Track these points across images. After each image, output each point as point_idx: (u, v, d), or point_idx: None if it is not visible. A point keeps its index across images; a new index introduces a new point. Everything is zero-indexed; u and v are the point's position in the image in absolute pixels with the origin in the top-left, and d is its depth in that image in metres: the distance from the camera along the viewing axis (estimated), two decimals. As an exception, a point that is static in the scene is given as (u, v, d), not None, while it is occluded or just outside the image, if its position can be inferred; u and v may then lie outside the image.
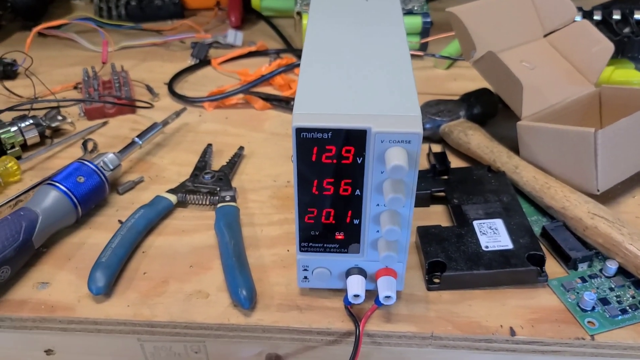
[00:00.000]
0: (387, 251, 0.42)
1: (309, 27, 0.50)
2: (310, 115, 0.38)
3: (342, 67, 0.44)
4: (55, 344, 0.49)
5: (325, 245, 0.44)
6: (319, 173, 0.40)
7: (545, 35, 0.67)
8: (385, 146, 0.38)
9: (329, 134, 0.38)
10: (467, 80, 0.79)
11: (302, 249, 0.44)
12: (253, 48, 0.86)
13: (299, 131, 0.38)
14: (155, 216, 0.54)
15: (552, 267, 0.49)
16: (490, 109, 0.67)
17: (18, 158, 0.62)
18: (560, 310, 0.46)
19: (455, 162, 0.62)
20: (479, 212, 0.52)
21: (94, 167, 0.55)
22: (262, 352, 0.48)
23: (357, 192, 0.40)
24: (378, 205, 0.41)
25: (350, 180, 0.40)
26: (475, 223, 0.51)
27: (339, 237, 0.43)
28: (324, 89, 0.41)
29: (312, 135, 0.38)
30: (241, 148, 0.64)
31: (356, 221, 0.42)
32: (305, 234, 0.43)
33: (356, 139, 0.38)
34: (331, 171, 0.39)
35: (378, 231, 0.42)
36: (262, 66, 0.80)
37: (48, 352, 0.49)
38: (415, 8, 0.84)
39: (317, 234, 0.43)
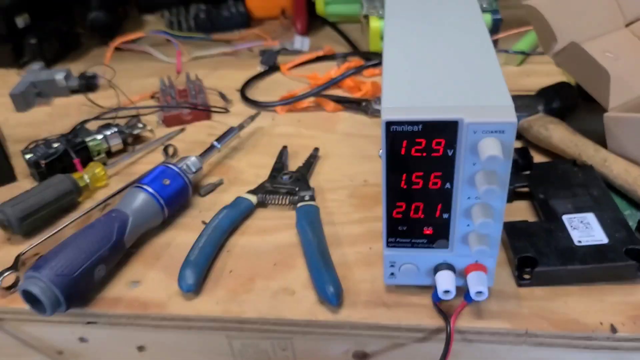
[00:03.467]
0: (479, 245, 0.41)
1: (387, 23, 0.50)
2: (400, 108, 0.38)
3: (426, 60, 0.43)
4: (147, 341, 0.50)
5: (412, 240, 0.43)
6: (408, 167, 0.39)
7: (627, 25, 0.64)
8: (477, 137, 0.37)
9: (420, 127, 0.37)
10: (541, 76, 0.77)
11: (390, 244, 0.44)
12: (320, 53, 0.87)
13: (389, 125, 0.37)
14: (238, 216, 0.55)
15: (650, 262, 0.47)
16: (569, 102, 0.65)
17: (103, 164, 0.64)
18: (664, 306, 0.43)
19: (536, 158, 0.60)
20: (568, 206, 0.51)
21: (178, 170, 0.56)
22: (349, 350, 0.47)
23: (447, 185, 0.40)
24: (469, 198, 0.40)
25: (440, 173, 0.39)
26: (564, 217, 0.49)
27: (427, 231, 0.42)
28: (409, 82, 0.41)
29: (402, 128, 0.37)
30: (316, 149, 0.64)
31: (445, 215, 0.41)
32: (392, 228, 0.43)
33: (447, 130, 0.37)
34: (421, 164, 0.39)
35: (469, 225, 0.41)
36: (331, 69, 0.80)
37: (140, 348, 0.51)
38: (485, 5, 0.82)
39: (405, 228, 0.42)
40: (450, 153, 0.38)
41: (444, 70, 0.42)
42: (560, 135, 0.59)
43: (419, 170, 0.39)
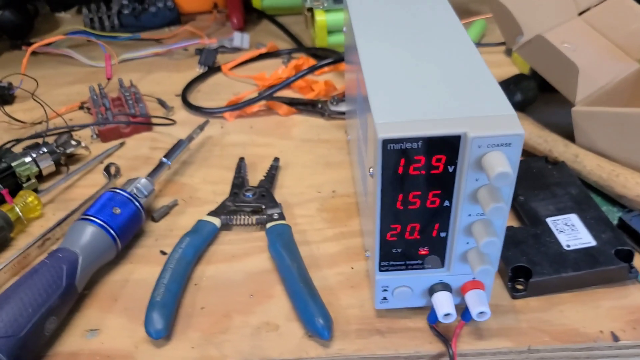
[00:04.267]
0: (481, 264, 0.38)
1: (355, 27, 0.46)
2: (396, 124, 0.34)
3: (409, 67, 0.40)
4: (112, 396, 0.44)
5: (407, 262, 0.40)
6: (405, 186, 0.36)
7: (580, 14, 0.63)
8: (482, 151, 0.34)
9: (419, 143, 0.34)
10: (491, 66, 0.75)
11: (382, 268, 0.40)
12: (263, 50, 0.81)
13: (385, 143, 0.34)
14: (202, 243, 0.49)
15: (636, 260, 0.46)
16: (530, 95, 0.64)
17: (35, 191, 0.57)
18: (659, 307, 0.43)
19: (505, 155, 0.59)
20: (550, 207, 0.49)
21: (128, 195, 0.50)
22: (341, 383, 0.44)
23: (446, 203, 0.37)
24: (470, 215, 0.37)
25: (440, 191, 0.36)
26: (549, 220, 0.48)
27: (423, 252, 0.39)
28: (398, 92, 0.37)
29: (400, 146, 0.34)
30: (276, 159, 0.59)
31: (443, 234, 0.38)
32: (386, 252, 0.39)
33: (449, 146, 0.34)
34: (419, 183, 0.36)
35: (468, 243, 0.38)
36: (279, 68, 0.75)
37: (104, 405, 0.45)
38: (431, -5, 0.80)
39: (399, 251, 0.39)
40: (451, 169, 0.35)
41: (433, 78, 0.38)
42: (528, 131, 0.57)
43: (416, 189, 0.36)
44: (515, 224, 0.50)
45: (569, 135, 0.56)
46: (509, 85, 0.64)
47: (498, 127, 0.33)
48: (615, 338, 0.41)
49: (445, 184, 0.36)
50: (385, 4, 0.49)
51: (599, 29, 0.63)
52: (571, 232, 0.47)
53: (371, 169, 0.36)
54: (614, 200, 0.52)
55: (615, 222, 0.49)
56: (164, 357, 0.41)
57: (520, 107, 0.63)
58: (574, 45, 0.61)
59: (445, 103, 0.36)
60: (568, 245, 0.45)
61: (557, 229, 0.47)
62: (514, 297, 0.44)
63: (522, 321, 0.42)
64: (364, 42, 0.44)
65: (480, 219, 0.37)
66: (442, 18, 0.46)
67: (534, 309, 0.43)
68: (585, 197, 0.50)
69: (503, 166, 0.33)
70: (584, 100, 0.56)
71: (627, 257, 0.44)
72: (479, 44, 0.79)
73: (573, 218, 0.48)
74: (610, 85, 0.58)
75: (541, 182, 0.52)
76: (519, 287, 0.44)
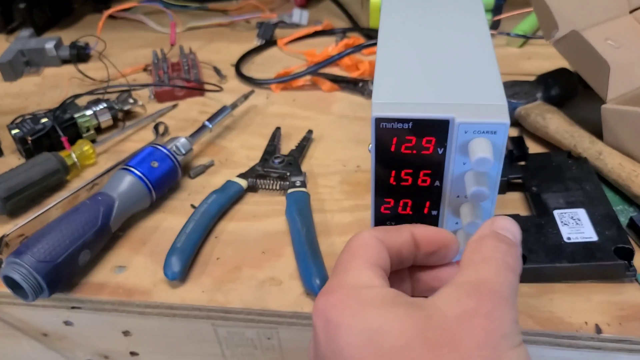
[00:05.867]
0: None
1: (384, 11, 0.48)
2: (390, 104, 0.37)
3: (421, 53, 0.42)
4: (132, 326, 0.50)
5: (400, 235, 0.42)
6: (398, 164, 0.38)
7: (632, 11, 0.62)
8: (468, 137, 0.36)
9: (410, 124, 0.36)
10: (542, 58, 0.76)
11: (377, 239, 0.43)
12: (319, 27, 0.84)
13: (378, 121, 0.37)
14: (227, 201, 0.54)
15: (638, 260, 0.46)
16: (569, 90, 0.64)
17: (93, 141, 0.63)
18: (650, 307, 0.43)
19: (532, 147, 0.59)
20: (560, 201, 0.50)
21: (167, 152, 0.55)
22: (334, 340, 0.47)
23: (437, 183, 0.39)
24: (458, 197, 0.39)
25: (430, 171, 0.39)
26: (555, 212, 0.49)
27: (416, 228, 0.42)
28: (403, 75, 0.40)
29: (392, 125, 0.37)
30: (310, 131, 0.63)
31: (434, 212, 0.41)
32: (380, 224, 0.42)
33: (438, 129, 0.36)
34: (410, 162, 0.38)
35: (457, 223, 0.41)
36: (329, 46, 0.78)
37: (125, 333, 0.51)
38: (488, -17, 0.80)
39: (393, 224, 0.42)
40: (440, 151, 0.37)
41: (439, 66, 0.40)
42: (556, 125, 0.58)
43: (408, 167, 0.39)
44: (525, 213, 0.51)
45: (601, 133, 0.56)
46: (548, 79, 0.64)
47: (485, 114, 0.35)
48: (598, 330, 0.42)
49: (435, 165, 0.38)
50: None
51: (650, 27, 0.61)
52: (575, 225, 0.47)
53: (370, 146, 0.39)
54: (631, 200, 0.52)
55: (626, 221, 0.49)
56: (176, 297, 0.46)
57: (557, 101, 0.63)
58: (618, 43, 0.60)
59: (441, 89, 0.38)
60: (569, 238, 0.46)
61: (561, 222, 0.48)
62: (506, 282, 0.46)
63: (510, 304, 0.44)
64: (385, 26, 0.46)
65: (468, 201, 0.39)
66: (469, 10, 0.48)
67: (524, 294, 0.45)
68: (599, 194, 0.50)
69: (484, 152, 0.35)
70: (617, 98, 0.56)
71: (627, 255, 0.45)
72: (532, 36, 0.78)
73: (580, 213, 0.48)
74: (650, 85, 0.57)
75: (558, 176, 0.52)
76: (514, 272, 0.46)
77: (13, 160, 0.63)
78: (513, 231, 0.31)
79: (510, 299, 0.27)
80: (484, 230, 0.31)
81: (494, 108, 0.36)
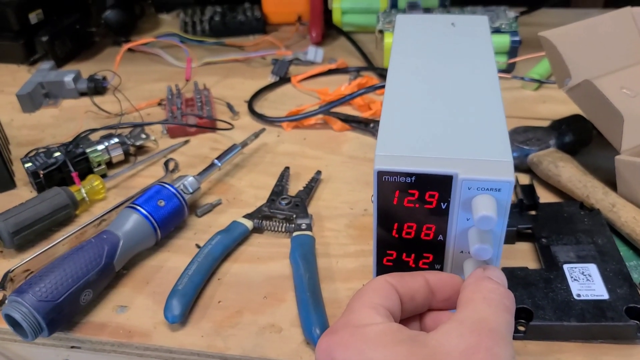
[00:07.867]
0: (470, 301, 0.39)
1: (393, 56, 0.48)
2: (393, 157, 0.36)
3: (428, 102, 0.42)
4: (132, 367, 0.49)
5: (403, 288, 0.42)
6: (400, 216, 0.38)
7: (650, 59, 0.61)
8: (472, 193, 0.35)
9: (412, 179, 0.36)
10: (557, 102, 0.75)
11: (379, 290, 0.42)
12: (333, 66, 0.85)
13: (380, 174, 0.36)
14: (232, 242, 0.54)
15: (653, 321, 0.45)
16: (583, 137, 0.63)
17: (103, 176, 0.64)
18: (663, 372, 0.41)
19: (543, 195, 0.58)
20: (570, 254, 0.49)
21: (174, 191, 0.55)
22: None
23: (440, 237, 0.38)
24: (462, 252, 0.38)
25: (433, 226, 0.38)
26: (565, 267, 0.48)
27: (419, 280, 0.41)
28: (407, 127, 0.39)
29: (395, 178, 0.36)
30: (318, 172, 0.63)
31: (437, 266, 0.40)
32: (383, 275, 0.41)
33: (441, 184, 0.36)
34: (413, 215, 0.38)
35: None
36: (342, 85, 0.79)
37: (125, 374, 0.50)
38: (503, 26, 0.80)
39: (395, 276, 0.41)
40: (444, 206, 0.37)
41: (445, 117, 0.40)
42: (569, 174, 0.57)
43: (411, 220, 0.38)
44: (534, 265, 0.50)
45: (615, 183, 0.55)
46: (562, 125, 0.63)
47: (489, 171, 0.35)
48: (607, 395, 0.40)
49: (438, 219, 0.37)
50: (429, 36, 0.51)
51: (668, 77, 0.60)
52: (586, 282, 0.46)
53: (373, 196, 0.39)
54: (645, 256, 0.50)
55: (639, 278, 0.48)
56: (176, 340, 0.46)
57: (570, 148, 0.62)
58: (634, 92, 0.59)
59: (446, 143, 0.37)
60: (578, 295, 0.45)
61: (571, 277, 0.47)
62: (513, 338, 0.45)
63: (515, 362, 0.43)
64: (393, 71, 0.46)
65: (471, 257, 0.38)
66: (478, 56, 0.48)
67: (531, 352, 0.43)
68: (612, 248, 0.49)
69: (487, 210, 0.34)
70: (632, 149, 0.55)
71: (639, 315, 0.43)
72: (547, 81, 0.78)
73: (592, 268, 0.47)
74: (667, 137, 0.56)
75: (569, 228, 0.51)
76: (520, 327, 0.45)
77: (25, 192, 0.63)
78: (503, 281, 0.34)
79: (507, 338, 0.29)
80: (478, 274, 0.33)
81: (499, 165, 0.35)
